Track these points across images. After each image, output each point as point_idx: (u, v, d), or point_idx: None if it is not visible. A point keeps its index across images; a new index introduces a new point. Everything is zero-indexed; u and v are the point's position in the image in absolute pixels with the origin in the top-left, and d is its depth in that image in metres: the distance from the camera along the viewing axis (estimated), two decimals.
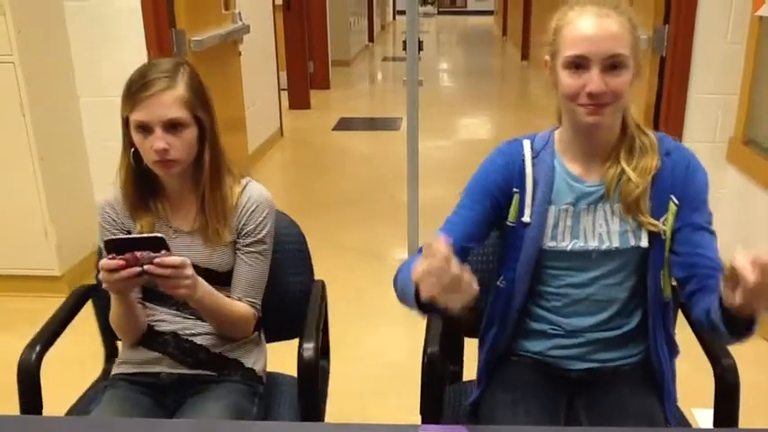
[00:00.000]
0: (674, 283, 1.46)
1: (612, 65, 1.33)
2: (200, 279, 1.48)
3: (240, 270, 1.60)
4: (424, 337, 1.57)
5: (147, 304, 1.63)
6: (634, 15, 1.38)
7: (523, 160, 1.47)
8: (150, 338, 1.61)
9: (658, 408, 1.45)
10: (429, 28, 15.93)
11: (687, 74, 3.09)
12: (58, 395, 1.64)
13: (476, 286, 1.10)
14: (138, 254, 1.36)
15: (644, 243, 1.42)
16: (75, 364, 1.76)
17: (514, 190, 1.46)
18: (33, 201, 3.11)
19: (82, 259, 3.34)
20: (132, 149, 1.52)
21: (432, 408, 1.53)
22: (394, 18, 17.54)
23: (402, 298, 1.38)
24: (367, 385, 2.60)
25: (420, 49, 3.55)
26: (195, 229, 1.58)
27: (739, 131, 3.07)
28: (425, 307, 1.22)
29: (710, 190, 1.45)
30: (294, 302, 1.76)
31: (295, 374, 1.65)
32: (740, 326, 1.21)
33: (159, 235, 1.39)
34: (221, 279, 1.60)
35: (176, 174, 1.54)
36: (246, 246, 1.60)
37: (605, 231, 1.44)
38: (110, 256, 1.36)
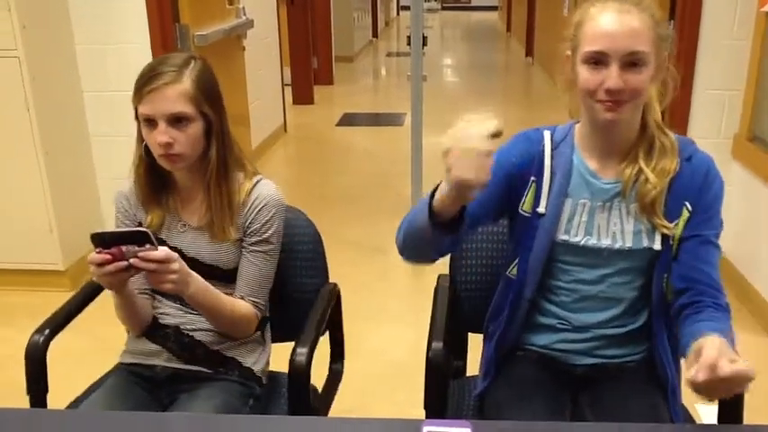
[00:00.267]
0: None
1: (632, 62, 1.32)
2: (194, 275, 1.48)
3: (244, 269, 1.60)
4: (427, 332, 1.57)
5: (156, 296, 1.63)
6: (657, 11, 1.36)
7: (543, 150, 1.46)
8: (153, 331, 1.62)
9: (663, 404, 1.45)
10: (433, 23, 15.89)
11: (692, 70, 3.09)
12: (67, 386, 1.64)
13: (489, 177, 1.17)
14: (123, 248, 1.36)
15: (657, 246, 1.42)
16: (84, 356, 1.77)
17: (532, 178, 1.46)
18: (38, 195, 3.12)
19: (86, 254, 3.32)
20: (144, 142, 1.53)
21: (436, 403, 1.53)
22: (398, 14, 17.51)
23: (411, 221, 1.37)
24: (371, 380, 2.60)
25: (424, 44, 3.55)
26: (203, 224, 1.58)
27: (744, 128, 3.07)
28: (436, 219, 1.26)
29: None
30: (305, 304, 1.73)
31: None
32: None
33: (143, 229, 1.39)
34: (226, 276, 1.60)
35: (185, 168, 1.54)
36: (251, 244, 1.59)
37: (619, 230, 1.43)
38: (97, 250, 1.37)
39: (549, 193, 1.45)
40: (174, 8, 3.33)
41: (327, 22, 8.29)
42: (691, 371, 1.11)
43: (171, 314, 1.62)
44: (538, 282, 1.49)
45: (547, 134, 1.48)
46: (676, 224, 1.41)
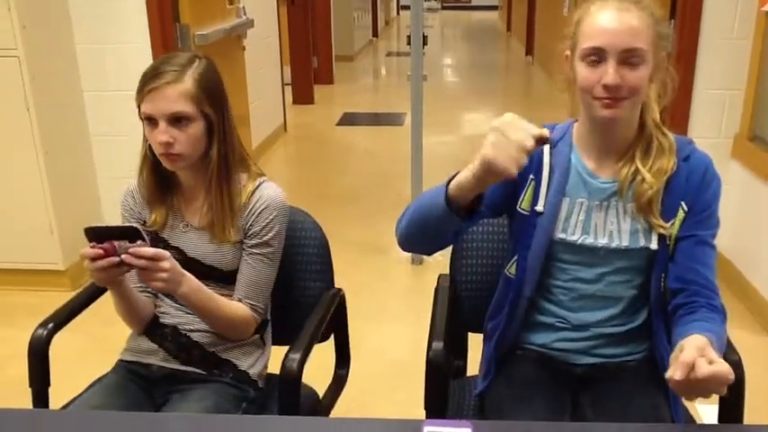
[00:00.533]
0: None
1: (630, 59, 1.32)
2: (187, 275, 1.48)
3: (243, 271, 1.59)
4: (427, 332, 1.57)
5: (159, 295, 1.63)
6: (657, 10, 1.37)
7: (542, 149, 1.46)
8: (153, 329, 1.62)
9: (663, 404, 1.45)
10: (433, 23, 15.89)
11: (693, 69, 3.09)
12: (68, 386, 1.64)
13: (525, 161, 1.18)
14: (116, 243, 1.37)
15: (653, 245, 1.42)
16: (87, 356, 1.77)
17: (531, 177, 1.46)
18: (38, 195, 3.12)
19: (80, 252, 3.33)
20: (149, 141, 1.53)
21: (436, 403, 1.53)
22: (398, 13, 17.51)
23: (418, 212, 1.36)
24: (371, 380, 2.60)
25: (424, 44, 3.54)
26: (204, 224, 1.58)
27: (745, 127, 3.07)
28: (453, 202, 1.27)
29: None
30: (309, 308, 1.71)
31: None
32: None
33: (134, 225, 1.39)
34: (225, 278, 1.59)
35: (187, 168, 1.54)
36: (251, 247, 1.58)
37: (616, 230, 1.44)
38: (91, 245, 1.37)
39: (547, 192, 1.45)
40: (174, 8, 3.33)
41: (327, 21, 8.29)
42: (669, 370, 1.13)
43: (171, 314, 1.62)
44: (537, 280, 1.49)
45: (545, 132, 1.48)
46: (672, 223, 1.41)
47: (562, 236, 1.45)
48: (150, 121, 1.48)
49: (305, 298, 1.74)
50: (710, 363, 1.11)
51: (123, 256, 1.38)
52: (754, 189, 2.98)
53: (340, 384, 1.82)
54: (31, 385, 1.56)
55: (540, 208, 1.45)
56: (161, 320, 1.62)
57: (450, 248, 1.73)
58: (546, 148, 1.46)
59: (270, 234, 1.58)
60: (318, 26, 7.93)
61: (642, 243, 1.43)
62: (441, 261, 1.79)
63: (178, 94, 1.47)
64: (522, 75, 9.87)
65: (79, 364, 1.90)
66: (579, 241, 1.45)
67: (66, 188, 3.25)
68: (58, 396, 1.60)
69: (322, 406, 1.72)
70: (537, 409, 1.42)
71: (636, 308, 1.49)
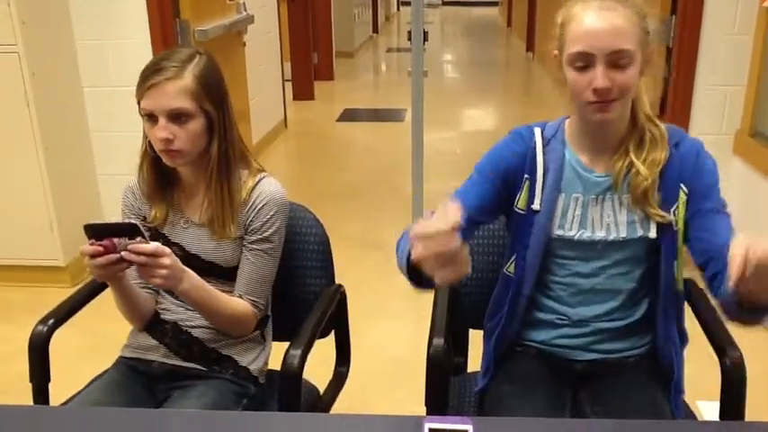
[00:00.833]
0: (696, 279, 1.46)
1: (618, 60, 1.31)
2: (188, 272, 1.47)
3: (243, 267, 1.59)
4: (427, 329, 1.57)
5: (161, 291, 1.63)
6: (642, 6, 1.36)
7: (535, 147, 1.46)
8: (153, 326, 1.62)
9: (663, 400, 1.45)
10: (433, 19, 15.86)
11: (694, 65, 3.08)
12: (71, 376, 1.64)
13: (469, 269, 1.09)
14: (115, 240, 1.36)
15: (652, 234, 1.42)
16: (87, 353, 1.77)
17: (525, 176, 1.46)
18: (38, 191, 3.12)
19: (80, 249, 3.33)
20: (149, 137, 1.53)
21: (437, 400, 1.53)
22: (398, 9, 17.47)
23: (399, 260, 1.37)
24: (371, 377, 2.60)
25: (425, 40, 3.53)
26: (204, 221, 1.58)
27: (746, 123, 3.06)
28: (414, 273, 1.23)
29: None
30: (310, 304, 1.71)
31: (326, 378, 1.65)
32: (750, 312, 1.21)
33: (133, 222, 1.40)
34: (226, 274, 1.59)
35: (187, 164, 1.54)
36: (252, 243, 1.58)
37: (613, 222, 1.44)
38: (90, 242, 1.37)
39: (542, 190, 1.45)
40: (174, 4, 3.32)
41: (328, 17, 8.27)
42: (732, 277, 1.06)
43: (171, 310, 1.62)
44: (535, 278, 1.49)
45: (537, 131, 1.49)
46: (675, 208, 1.40)
47: (560, 232, 1.45)
48: (150, 117, 1.48)
49: (305, 294, 1.74)
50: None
51: (123, 252, 1.37)
52: (755, 185, 2.97)
53: (340, 381, 1.81)
54: (31, 380, 1.55)
55: (536, 206, 1.45)
56: (162, 317, 1.62)
57: None
58: (539, 146, 1.46)
59: (270, 230, 1.58)
60: (319, 22, 7.91)
61: (640, 233, 1.43)
62: None
63: (178, 90, 1.46)
64: (523, 71, 9.86)
65: (79, 360, 1.90)
66: (577, 236, 1.45)
67: (66, 184, 3.24)
68: (59, 392, 1.59)
69: (322, 402, 1.72)
70: (537, 406, 1.42)
71: (636, 300, 1.49)
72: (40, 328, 1.56)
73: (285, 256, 1.65)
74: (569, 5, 1.37)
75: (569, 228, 1.45)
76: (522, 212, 1.47)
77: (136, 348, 1.62)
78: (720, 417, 1.47)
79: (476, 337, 1.74)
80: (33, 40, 2.98)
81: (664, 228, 1.41)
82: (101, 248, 1.37)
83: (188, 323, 1.60)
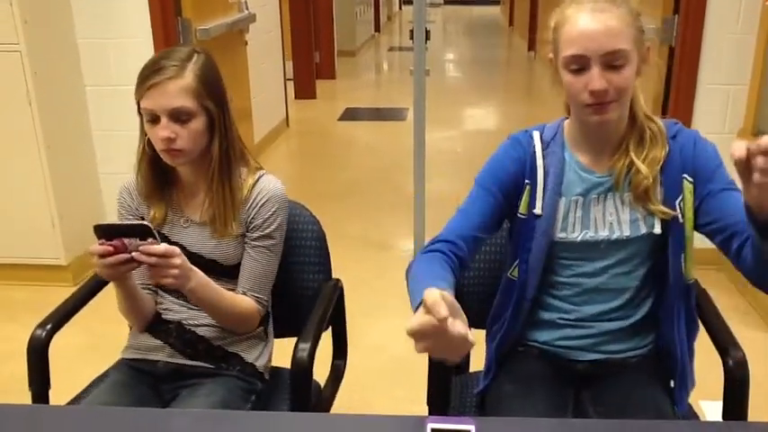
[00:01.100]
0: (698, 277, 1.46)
1: (613, 61, 1.30)
2: (195, 270, 1.47)
3: (246, 264, 1.59)
4: None
5: (159, 292, 1.63)
6: (634, 5, 1.35)
7: (534, 152, 1.46)
8: (156, 326, 1.62)
9: (666, 401, 1.45)
10: (435, 18, 15.85)
11: (696, 64, 3.07)
12: (69, 383, 1.64)
13: (472, 339, 1.05)
14: (126, 240, 1.36)
15: (657, 230, 1.41)
16: (87, 352, 1.77)
17: (526, 182, 1.45)
18: (40, 190, 3.12)
19: (88, 249, 3.33)
20: (147, 136, 1.53)
21: (438, 399, 1.53)
22: (400, 8, 17.46)
23: (409, 292, 1.35)
24: (371, 376, 2.60)
25: (427, 39, 3.53)
26: (205, 219, 1.58)
27: (749, 123, 3.05)
28: None
29: None
30: (308, 299, 1.73)
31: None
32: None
33: (145, 223, 1.39)
34: (228, 272, 1.59)
35: (187, 163, 1.53)
36: (254, 240, 1.58)
37: (615, 220, 1.43)
38: (99, 242, 1.37)
39: (543, 194, 1.45)
40: (176, 2, 3.32)
41: (329, 16, 8.27)
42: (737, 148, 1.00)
43: (174, 310, 1.62)
44: (539, 280, 1.49)
45: (536, 135, 1.48)
46: (680, 201, 1.39)
47: (562, 235, 1.45)
48: (151, 117, 1.47)
49: (304, 290, 1.75)
50: None
51: (134, 253, 1.37)
52: None
53: (338, 375, 1.83)
54: (30, 386, 1.55)
55: (538, 210, 1.45)
56: (163, 317, 1.62)
57: None
58: (538, 150, 1.46)
59: (272, 226, 1.58)
60: (320, 21, 7.91)
61: (644, 230, 1.42)
62: None
63: (179, 89, 1.46)
64: (525, 70, 9.85)
65: (78, 360, 1.90)
66: (580, 238, 1.45)
67: (68, 183, 3.24)
68: (58, 393, 1.59)
69: (323, 397, 1.73)
70: (539, 406, 1.42)
71: (640, 299, 1.49)
72: (38, 332, 1.56)
73: (283, 253, 1.66)
74: (562, 8, 1.37)
75: (572, 230, 1.45)
76: (523, 217, 1.47)
77: (139, 349, 1.62)
78: (723, 417, 1.46)
79: (477, 337, 1.74)
80: (35, 40, 2.98)
81: (669, 222, 1.41)
82: (111, 248, 1.36)
83: (192, 322, 1.60)
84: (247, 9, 4.48)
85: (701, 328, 1.54)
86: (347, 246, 3.70)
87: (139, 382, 1.58)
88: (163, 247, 1.38)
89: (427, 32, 3.53)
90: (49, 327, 1.57)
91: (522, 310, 1.52)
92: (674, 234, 1.41)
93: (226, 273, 1.59)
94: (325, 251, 1.77)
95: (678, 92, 3.09)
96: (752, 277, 1.31)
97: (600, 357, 1.50)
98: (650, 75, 1.42)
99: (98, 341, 1.79)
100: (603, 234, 1.44)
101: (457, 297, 1.70)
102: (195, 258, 1.56)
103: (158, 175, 1.58)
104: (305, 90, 7.40)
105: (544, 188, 1.45)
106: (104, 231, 1.37)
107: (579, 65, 1.32)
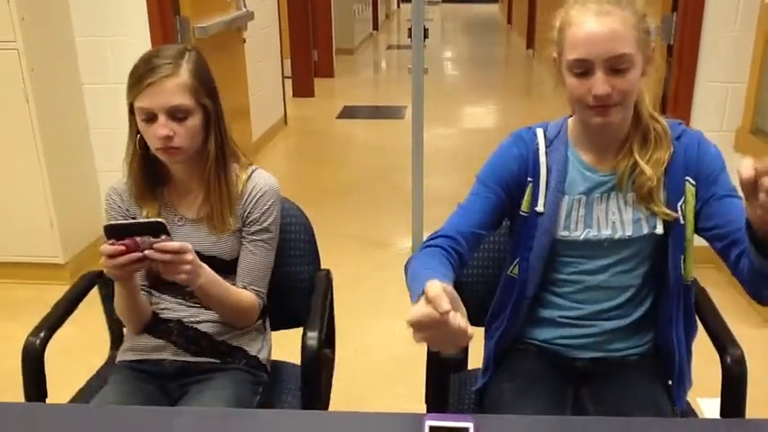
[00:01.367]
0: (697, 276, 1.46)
1: (618, 65, 1.30)
2: (203, 266, 1.48)
3: (245, 258, 1.60)
4: None
5: (153, 292, 1.63)
6: (639, 6, 1.34)
7: (537, 150, 1.46)
8: (155, 326, 1.61)
9: (665, 398, 1.45)
10: (433, 16, 15.84)
11: (695, 62, 3.07)
12: (63, 381, 1.64)
13: (471, 332, 1.06)
14: (138, 239, 1.36)
15: (659, 230, 1.41)
16: (80, 351, 1.77)
17: (528, 179, 1.45)
18: (38, 188, 3.11)
19: (86, 247, 3.34)
20: (138, 136, 1.52)
21: (437, 397, 1.53)
22: (398, 6, 17.45)
23: (409, 288, 1.36)
24: (371, 375, 2.60)
25: (425, 37, 3.52)
26: (201, 216, 1.58)
27: (747, 121, 3.06)
28: None
29: None
30: (300, 291, 1.75)
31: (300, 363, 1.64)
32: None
33: (159, 220, 1.39)
34: (226, 267, 1.59)
35: (183, 161, 1.53)
36: (251, 234, 1.59)
37: (618, 220, 1.43)
38: (110, 242, 1.36)
39: (546, 191, 1.44)
40: (173, 0, 3.31)
41: (328, 14, 8.26)
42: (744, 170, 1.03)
43: (172, 308, 1.61)
44: (539, 278, 1.49)
45: (540, 132, 1.48)
46: (682, 203, 1.40)
47: (564, 234, 1.45)
48: (148, 116, 1.47)
49: (294, 282, 1.77)
50: None
51: (147, 251, 1.37)
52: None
53: (329, 366, 1.84)
54: (26, 395, 1.54)
55: (540, 208, 1.45)
56: (162, 316, 1.61)
57: None
58: (542, 148, 1.46)
59: (269, 220, 1.60)
60: (319, 19, 7.90)
61: (646, 230, 1.42)
62: None
63: (176, 86, 1.46)
64: (523, 68, 9.85)
65: (75, 359, 1.89)
66: (582, 237, 1.44)
67: (65, 181, 3.24)
68: (57, 392, 1.59)
69: (322, 389, 1.73)
70: (538, 404, 1.42)
71: (641, 297, 1.49)
72: (32, 340, 1.55)
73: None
74: (566, 9, 1.36)
75: (574, 228, 1.45)
76: (525, 215, 1.46)
77: (140, 350, 1.61)
78: (721, 414, 1.47)
79: (475, 335, 1.74)
80: (33, 37, 2.97)
81: (670, 223, 1.41)
82: (122, 248, 1.36)
83: (192, 319, 1.60)
84: (245, 7, 4.47)
85: (700, 327, 1.55)
86: (345, 244, 3.71)
87: (144, 382, 1.57)
88: (178, 243, 1.38)
89: (425, 30, 3.53)
90: (42, 335, 1.56)
91: (522, 308, 1.52)
92: (674, 235, 1.41)
93: (225, 268, 1.59)
94: (313, 243, 1.79)
95: (677, 89, 3.09)
96: (747, 287, 1.33)
97: (599, 355, 1.50)
98: (651, 73, 1.42)
99: (92, 337, 1.79)
100: (606, 233, 1.44)
101: (456, 292, 1.71)
102: None
103: (150, 174, 1.57)
104: (303, 88, 7.39)
105: (547, 186, 1.44)
106: (115, 231, 1.36)
107: (583, 68, 1.32)
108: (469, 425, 1.07)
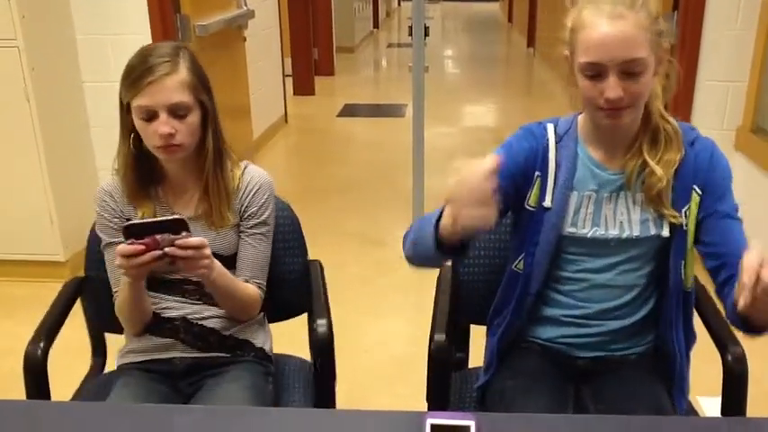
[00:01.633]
0: (697, 274, 1.46)
1: (631, 69, 1.29)
2: (215, 260, 1.49)
3: (245, 252, 1.61)
4: (428, 325, 1.57)
5: (151, 293, 1.62)
6: (653, 7, 1.32)
7: (547, 144, 1.45)
8: (159, 325, 1.60)
9: (666, 396, 1.45)
10: (434, 14, 15.83)
11: (696, 60, 3.07)
12: (56, 386, 1.63)
13: (494, 219, 1.16)
14: (158, 237, 1.36)
15: (665, 233, 1.41)
16: (71, 355, 1.76)
17: (537, 174, 1.45)
18: (38, 186, 3.11)
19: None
20: (132, 135, 1.52)
21: (438, 395, 1.53)
22: (399, 4, 17.44)
23: (417, 240, 1.37)
24: (371, 373, 2.60)
25: (426, 35, 3.52)
26: (199, 214, 1.58)
27: (748, 119, 3.06)
28: (441, 243, 1.26)
29: None
30: (291, 283, 1.77)
31: (298, 355, 1.70)
32: (754, 325, 1.22)
33: (182, 216, 1.39)
34: (226, 263, 1.59)
35: (181, 159, 1.53)
36: (250, 228, 1.61)
37: (626, 220, 1.43)
38: (129, 242, 1.36)
39: (554, 187, 1.44)
40: None
41: (328, 12, 8.26)
42: (741, 298, 1.06)
43: (174, 307, 1.61)
44: (544, 274, 1.48)
45: (550, 127, 1.47)
46: (687, 209, 1.40)
47: (572, 230, 1.45)
48: (148, 114, 1.46)
49: (286, 274, 1.77)
50: None
51: (168, 249, 1.37)
52: (757, 181, 2.97)
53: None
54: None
55: (547, 203, 1.44)
56: (165, 315, 1.60)
57: None
58: (551, 143, 1.45)
59: (266, 213, 1.62)
60: (319, 17, 7.90)
61: (653, 231, 1.42)
62: None
63: (176, 84, 1.46)
64: (524, 67, 9.85)
65: (72, 358, 1.89)
66: (590, 234, 1.44)
67: (66, 179, 3.24)
68: (57, 391, 1.59)
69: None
70: (539, 402, 1.42)
71: (645, 297, 1.48)
72: (32, 349, 1.53)
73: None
74: (579, 9, 1.34)
75: (582, 225, 1.44)
76: (532, 209, 1.46)
77: (145, 351, 1.60)
78: (722, 412, 1.47)
79: (476, 333, 1.74)
80: (33, 35, 2.97)
81: (676, 228, 1.41)
82: (142, 247, 1.36)
83: (196, 316, 1.60)
84: (246, 5, 4.47)
85: (700, 327, 1.55)
86: (345, 242, 3.70)
87: (154, 382, 1.56)
88: (198, 238, 1.39)
89: (426, 29, 3.53)
90: (42, 344, 1.54)
91: (526, 304, 1.51)
92: (677, 240, 1.41)
93: (224, 264, 1.59)
94: (300, 234, 1.81)
95: (677, 88, 3.09)
96: (726, 313, 1.36)
97: (600, 354, 1.50)
98: (662, 73, 1.42)
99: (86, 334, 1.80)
100: (613, 233, 1.43)
101: (456, 291, 1.71)
102: None
103: (143, 174, 1.57)
104: (303, 86, 7.39)
105: (555, 181, 1.44)
106: (135, 230, 1.36)
107: (595, 71, 1.31)
108: (471, 423, 1.07)
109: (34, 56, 2.97)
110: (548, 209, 1.44)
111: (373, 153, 5.53)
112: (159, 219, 1.41)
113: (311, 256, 1.84)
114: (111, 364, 1.75)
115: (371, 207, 4.29)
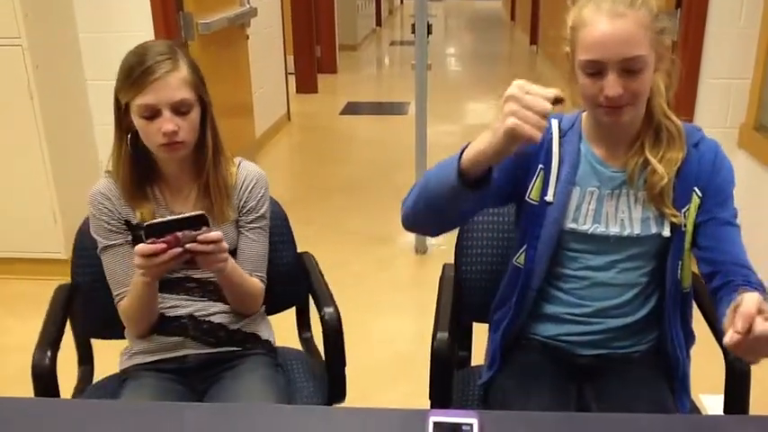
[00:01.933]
0: (696, 272, 1.46)
1: (631, 66, 1.29)
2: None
3: (246, 246, 1.62)
4: (430, 323, 1.57)
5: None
6: (654, 4, 1.32)
7: (551, 139, 1.45)
8: (166, 324, 1.60)
9: (668, 395, 1.45)
10: (437, 12, 15.80)
11: (699, 58, 3.06)
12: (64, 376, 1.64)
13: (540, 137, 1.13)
14: (179, 234, 1.36)
15: (666, 232, 1.41)
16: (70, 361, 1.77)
17: (540, 166, 1.45)
18: (41, 184, 3.12)
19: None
20: (129, 135, 1.52)
21: (441, 393, 1.53)
22: (402, 2, 17.41)
23: (428, 188, 1.33)
24: (374, 371, 2.60)
25: (428, 33, 3.52)
26: (199, 210, 1.57)
27: (751, 117, 3.05)
28: (465, 175, 1.22)
29: None
30: (283, 276, 1.78)
31: (297, 347, 1.73)
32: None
33: (202, 212, 1.39)
34: None
35: (182, 156, 1.53)
36: (250, 222, 1.63)
37: (627, 217, 1.43)
38: (149, 241, 1.36)
39: (556, 182, 1.44)
40: None
41: (331, 10, 8.25)
42: (728, 334, 1.05)
43: (180, 305, 1.61)
44: (545, 270, 1.48)
45: (554, 122, 1.48)
46: (687, 211, 1.40)
47: (573, 225, 1.45)
48: (150, 112, 1.46)
49: (278, 267, 1.77)
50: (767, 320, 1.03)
51: (189, 245, 1.37)
52: (760, 178, 2.96)
53: (309, 350, 1.88)
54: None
55: (549, 198, 1.44)
56: (171, 314, 1.60)
57: (454, 238, 1.73)
58: (555, 137, 1.45)
59: (264, 207, 1.64)
60: (322, 15, 7.89)
61: (654, 230, 1.42)
62: (445, 251, 1.79)
63: (179, 81, 1.47)
64: (527, 65, 9.83)
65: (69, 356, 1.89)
66: (590, 231, 1.44)
67: (69, 177, 3.24)
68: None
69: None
70: (541, 400, 1.42)
71: (646, 295, 1.48)
72: (39, 357, 1.52)
73: None
74: (579, 6, 1.34)
75: (583, 222, 1.44)
76: (534, 203, 1.46)
77: (157, 351, 1.59)
78: (724, 411, 1.47)
79: (479, 331, 1.74)
80: (37, 34, 2.98)
81: (676, 228, 1.41)
82: (164, 245, 1.36)
83: (203, 312, 1.61)
84: (249, 3, 4.47)
85: (701, 327, 1.54)
86: (348, 240, 3.70)
87: (167, 381, 1.56)
88: (218, 233, 1.41)
89: (429, 26, 3.52)
90: (49, 354, 1.53)
91: (527, 300, 1.51)
92: (676, 240, 1.42)
93: None
94: (288, 228, 1.82)
95: (680, 86, 3.07)
96: (718, 316, 1.35)
97: (603, 352, 1.50)
98: (663, 69, 1.41)
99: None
100: (614, 230, 1.43)
101: (459, 289, 1.71)
102: None
103: (141, 173, 1.56)
104: (306, 84, 7.39)
105: (558, 176, 1.44)
106: (156, 229, 1.36)
107: (596, 69, 1.31)
108: (474, 420, 1.07)
109: (38, 54, 2.97)
110: (549, 203, 1.44)
111: (376, 151, 5.53)
112: (182, 215, 1.40)
113: (315, 253, 1.85)
114: (102, 371, 1.74)
115: (374, 205, 4.29)
